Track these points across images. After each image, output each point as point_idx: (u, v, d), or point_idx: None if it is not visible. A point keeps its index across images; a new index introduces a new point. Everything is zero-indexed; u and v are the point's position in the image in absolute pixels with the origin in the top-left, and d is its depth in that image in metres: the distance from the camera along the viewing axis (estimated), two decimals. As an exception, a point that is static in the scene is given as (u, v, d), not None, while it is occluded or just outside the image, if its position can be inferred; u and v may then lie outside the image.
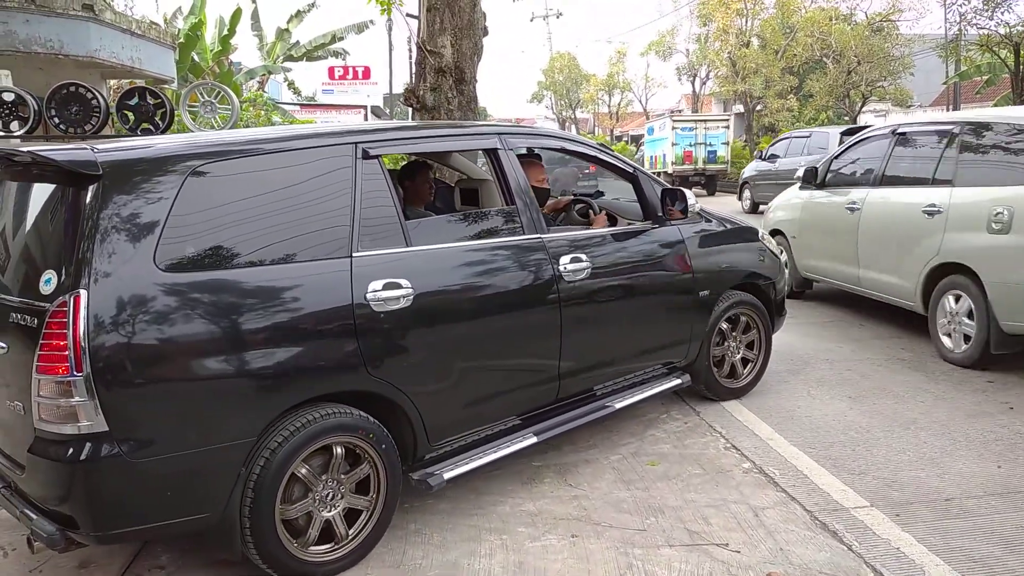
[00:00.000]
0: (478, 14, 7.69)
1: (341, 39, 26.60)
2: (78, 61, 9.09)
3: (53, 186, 3.08)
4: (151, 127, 8.09)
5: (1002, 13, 17.01)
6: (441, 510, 3.85)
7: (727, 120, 28.87)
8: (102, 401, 2.75)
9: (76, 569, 3.40)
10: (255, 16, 26.16)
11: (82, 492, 2.82)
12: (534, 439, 4.00)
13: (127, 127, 8.12)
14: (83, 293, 2.72)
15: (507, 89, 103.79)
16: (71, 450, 2.77)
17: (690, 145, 26.95)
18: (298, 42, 26.55)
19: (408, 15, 8.11)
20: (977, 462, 4.27)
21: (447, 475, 3.62)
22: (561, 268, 4.07)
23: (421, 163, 5.14)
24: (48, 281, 2.82)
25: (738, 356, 5.38)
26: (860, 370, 5.99)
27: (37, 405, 2.80)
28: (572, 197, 5.60)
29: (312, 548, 3.26)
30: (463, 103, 7.57)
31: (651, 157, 29.63)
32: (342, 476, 3.32)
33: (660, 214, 4.80)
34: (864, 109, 30.94)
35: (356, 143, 3.53)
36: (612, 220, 5.06)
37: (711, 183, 26.98)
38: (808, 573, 3.25)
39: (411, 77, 7.73)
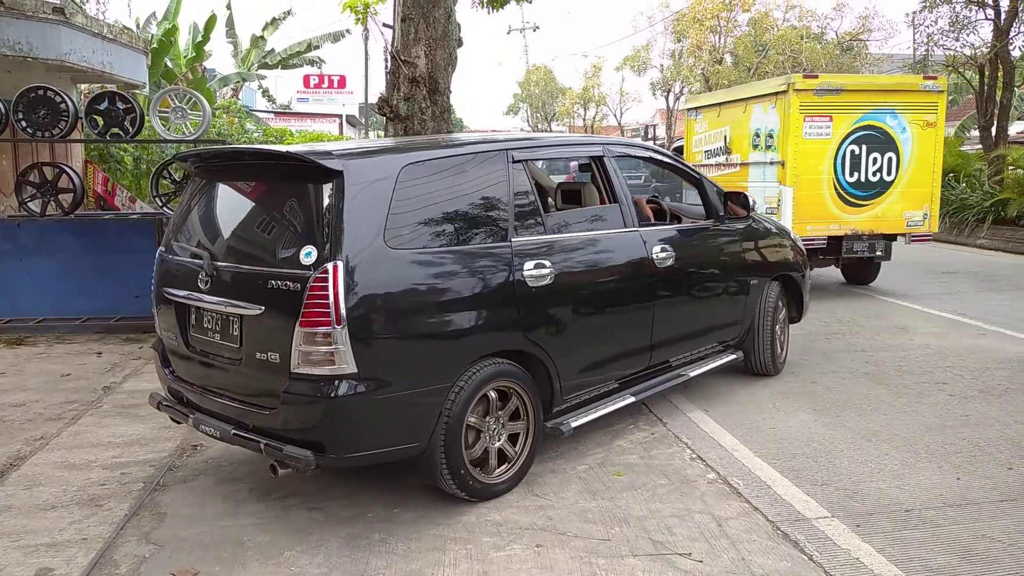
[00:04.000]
0: (453, 25, 7.71)
1: (317, 48, 26.55)
2: (48, 64, 8.97)
3: (280, 180, 3.89)
4: (120, 132, 8.02)
5: (967, 35, 17.40)
6: (406, 520, 3.84)
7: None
8: (353, 348, 3.45)
9: (33, 578, 3.35)
10: (230, 23, 26.02)
11: (333, 422, 3.53)
12: (631, 399, 4.80)
13: (96, 132, 8.04)
14: (339, 263, 3.43)
15: (483, 101, 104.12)
16: (327, 388, 3.47)
17: None
18: (273, 50, 26.43)
19: (384, 25, 8.10)
20: (937, 474, 4.34)
21: (573, 424, 4.39)
22: (653, 255, 4.89)
23: None
24: (308, 254, 3.50)
25: (781, 338, 6.31)
26: (825, 383, 6.07)
27: (298, 353, 3.47)
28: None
29: (489, 472, 4.05)
30: (436, 113, 7.57)
31: None
32: (503, 415, 4.09)
33: (721, 213, 5.68)
34: (834, 127, 31.38)
35: (507, 149, 4.34)
36: (663, 216, 5.86)
37: None
38: (769, 583, 3.28)
39: (386, 87, 7.70)
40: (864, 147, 9.45)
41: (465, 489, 3.92)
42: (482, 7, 8.95)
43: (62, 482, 4.33)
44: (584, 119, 55.90)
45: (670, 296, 5.07)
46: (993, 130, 16.95)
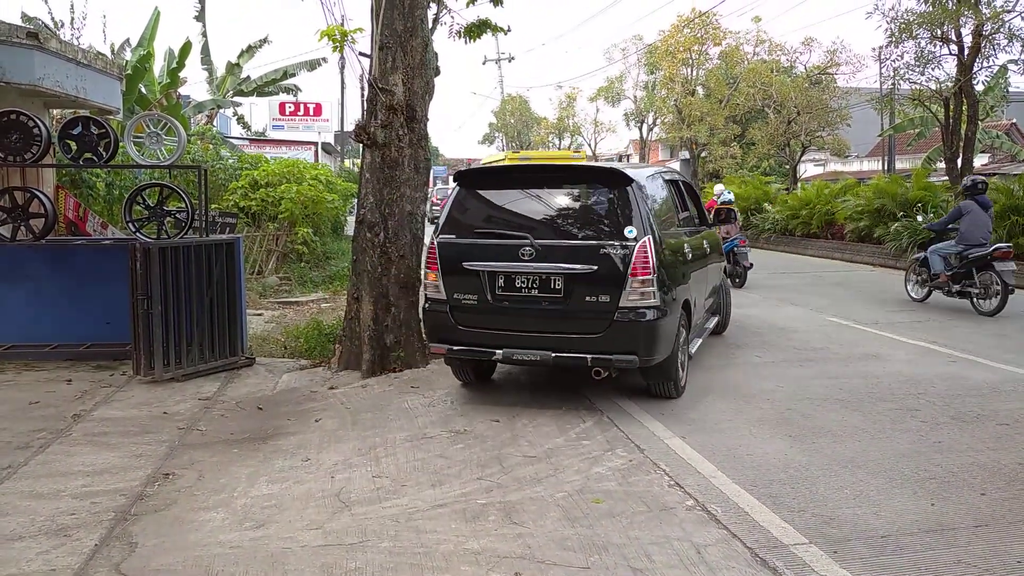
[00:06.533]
0: (430, 54, 7.76)
1: (293, 75, 26.52)
2: (20, 89, 8.88)
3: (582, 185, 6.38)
4: (94, 157, 7.95)
5: (932, 69, 17.73)
6: (384, 549, 3.79)
7: None
8: (659, 288, 5.77)
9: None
10: (205, 50, 25.94)
11: (647, 337, 5.75)
12: (700, 340, 7.43)
13: (69, 156, 7.96)
14: (650, 236, 5.81)
15: (459, 130, 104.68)
16: (645, 314, 5.73)
17: None
18: (248, 77, 26.36)
19: (361, 54, 8.11)
20: (912, 500, 4.37)
21: (691, 349, 6.92)
22: (705, 245, 7.76)
23: None
24: (631, 231, 5.79)
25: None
26: (800, 409, 6.11)
27: (627, 293, 5.69)
28: None
29: (681, 378, 6.48)
30: (414, 141, 7.60)
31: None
32: (683, 340, 6.44)
33: (709, 221, 8.86)
34: (803, 158, 31.90)
35: (659, 172, 7.19)
36: None
37: None
38: (749, 609, 3.27)
39: (363, 115, 7.71)
40: None
41: (676, 388, 6.31)
42: (459, 37, 9.01)
43: (30, 512, 4.23)
44: (559, 148, 56.16)
45: (711, 272, 7.92)
46: (959, 162, 17.27)
